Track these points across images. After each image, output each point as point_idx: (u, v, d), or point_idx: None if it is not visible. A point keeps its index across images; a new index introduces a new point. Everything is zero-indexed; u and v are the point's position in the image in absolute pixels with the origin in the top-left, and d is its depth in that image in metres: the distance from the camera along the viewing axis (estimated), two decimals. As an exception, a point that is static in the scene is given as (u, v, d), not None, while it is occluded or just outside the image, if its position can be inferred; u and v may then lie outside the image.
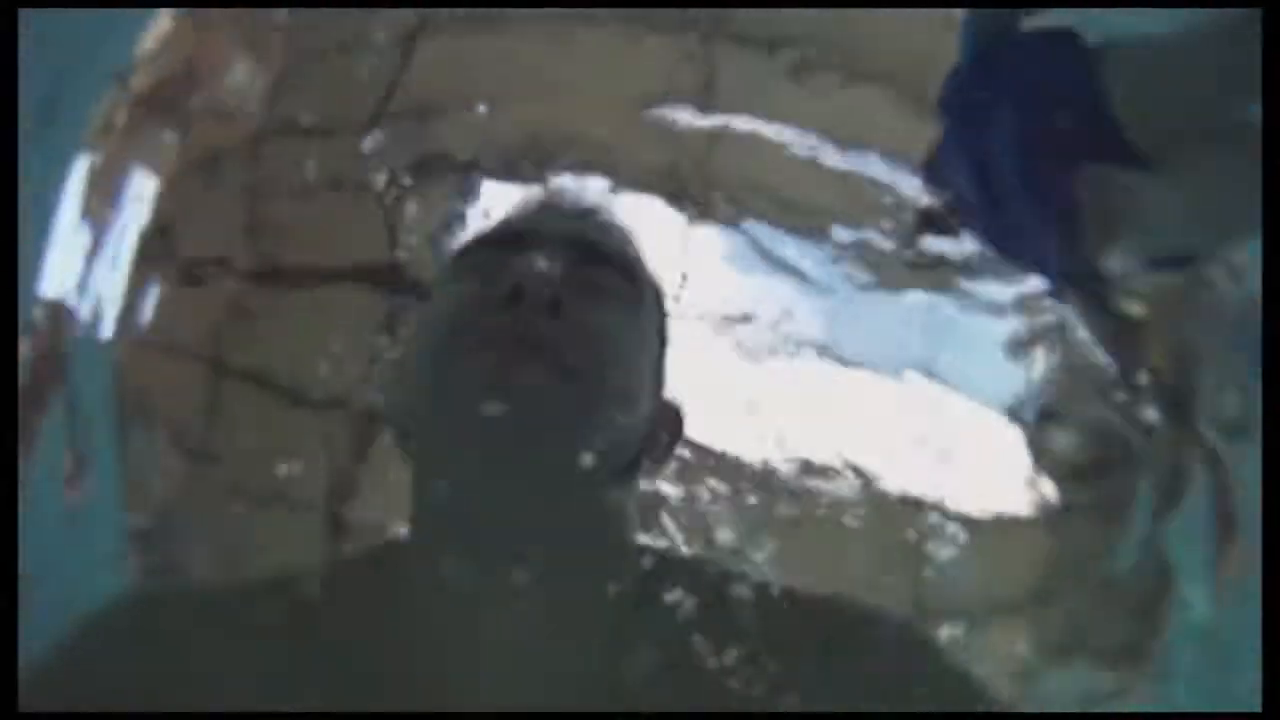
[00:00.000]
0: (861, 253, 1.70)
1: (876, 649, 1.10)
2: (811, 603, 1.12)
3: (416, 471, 1.08)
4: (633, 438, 1.07)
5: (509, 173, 1.65)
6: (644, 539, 1.14)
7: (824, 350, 1.69)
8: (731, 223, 1.71)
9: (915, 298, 1.74)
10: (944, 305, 1.73)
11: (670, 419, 1.14)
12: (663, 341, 1.14)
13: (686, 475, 1.54)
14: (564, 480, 1.04)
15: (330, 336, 1.56)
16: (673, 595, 1.09)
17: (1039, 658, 1.66)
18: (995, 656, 1.62)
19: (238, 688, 1.03)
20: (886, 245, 1.70)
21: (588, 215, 1.16)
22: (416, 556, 1.08)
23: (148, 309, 1.59)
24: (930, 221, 1.70)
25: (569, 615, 1.06)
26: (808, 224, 1.71)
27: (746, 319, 1.70)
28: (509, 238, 1.11)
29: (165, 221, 1.59)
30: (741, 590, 1.10)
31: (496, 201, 1.37)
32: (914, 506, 1.67)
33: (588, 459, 1.03)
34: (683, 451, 1.21)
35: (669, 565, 1.12)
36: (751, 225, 1.70)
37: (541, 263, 1.06)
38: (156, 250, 1.59)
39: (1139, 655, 1.66)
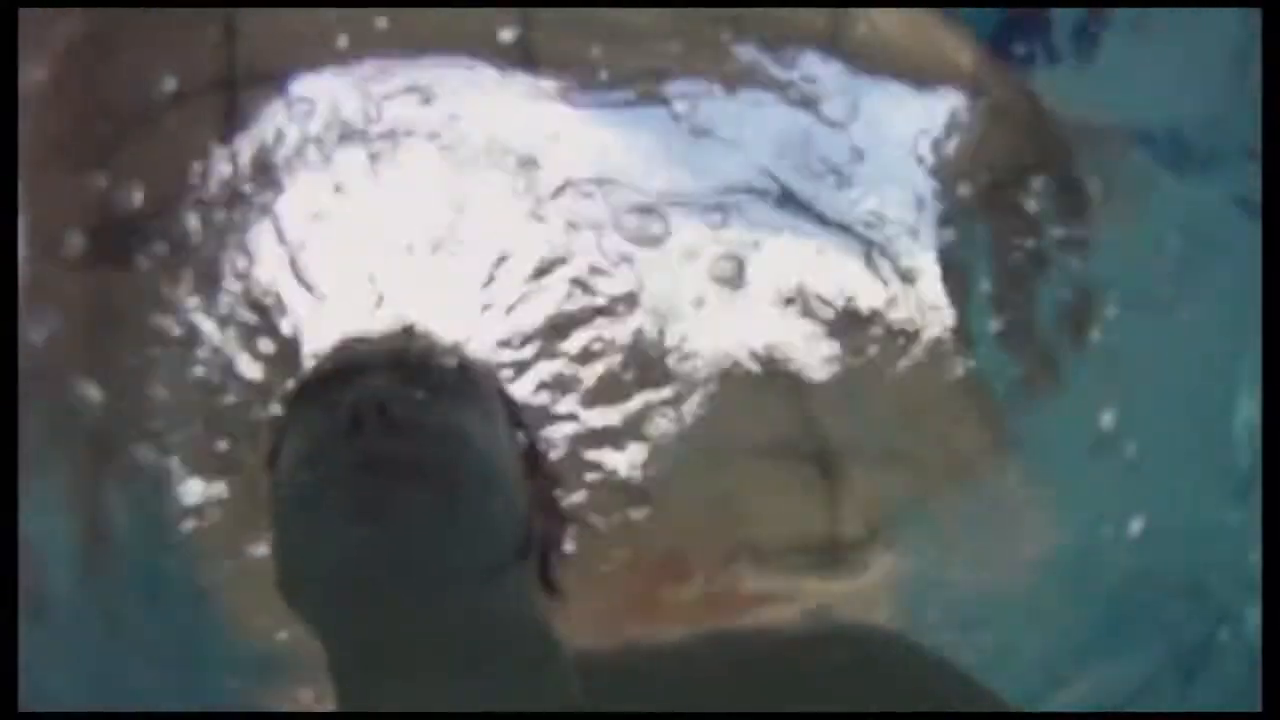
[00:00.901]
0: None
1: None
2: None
3: (311, 617, 1.09)
4: (507, 525, 1.07)
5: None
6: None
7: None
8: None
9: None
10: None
11: (552, 512, 1.16)
12: (517, 423, 1.17)
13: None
14: (446, 582, 1.04)
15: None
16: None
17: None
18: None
19: None
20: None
21: (400, 336, 1.20)
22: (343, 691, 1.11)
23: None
24: None
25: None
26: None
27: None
28: (332, 375, 1.13)
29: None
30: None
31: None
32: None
33: (462, 555, 1.03)
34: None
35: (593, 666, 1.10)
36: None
37: (369, 385, 1.07)
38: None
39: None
